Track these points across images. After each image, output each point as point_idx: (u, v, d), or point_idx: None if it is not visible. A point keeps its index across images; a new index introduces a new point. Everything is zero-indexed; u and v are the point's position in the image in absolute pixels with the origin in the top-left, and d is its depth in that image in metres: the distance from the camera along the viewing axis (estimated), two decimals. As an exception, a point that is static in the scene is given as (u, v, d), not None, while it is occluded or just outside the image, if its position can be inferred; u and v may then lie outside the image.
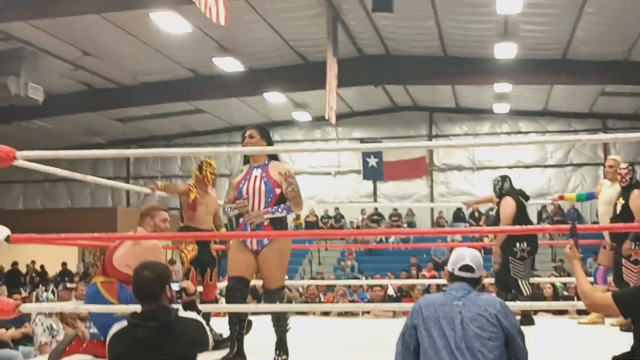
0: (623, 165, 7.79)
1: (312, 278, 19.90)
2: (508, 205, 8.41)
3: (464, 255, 4.30)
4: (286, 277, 6.53)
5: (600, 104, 23.40)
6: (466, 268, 4.25)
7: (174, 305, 4.24)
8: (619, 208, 7.51)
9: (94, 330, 9.26)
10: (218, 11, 9.35)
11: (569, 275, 17.84)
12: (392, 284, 14.90)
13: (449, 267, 4.34)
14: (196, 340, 4.01)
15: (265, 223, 6.09)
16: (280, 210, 6.08)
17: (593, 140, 22.03)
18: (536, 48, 18.56)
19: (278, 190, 6.18)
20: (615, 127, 24.79)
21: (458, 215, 24.76)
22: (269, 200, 6.14)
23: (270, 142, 6.71)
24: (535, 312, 8.77)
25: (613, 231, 7.63)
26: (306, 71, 19.68)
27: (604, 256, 8.07)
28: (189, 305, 4.67)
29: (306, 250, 22.84)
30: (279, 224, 6.18)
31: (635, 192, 7.45)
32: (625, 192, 7.54)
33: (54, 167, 6.93)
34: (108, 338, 4.03)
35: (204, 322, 4.12)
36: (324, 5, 15.81)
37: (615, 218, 7.55)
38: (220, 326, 7.12)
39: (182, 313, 4.14)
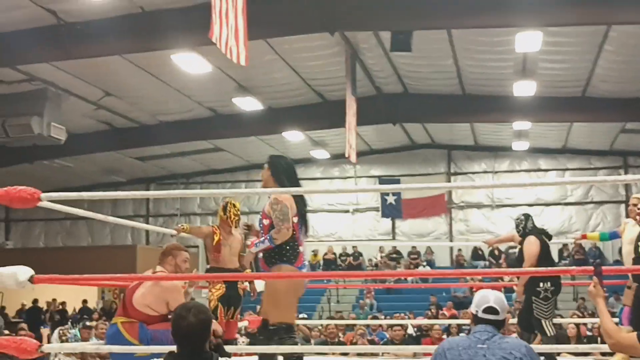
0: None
1: (331, 317, 19.77)
2: (532, 245, 8.34)
3: (488, 297, 4.25)
4: (294, 315, 6.25)
5: (620, 141, 23.31)
6: (490, 310, 4.20)
7: None
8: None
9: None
10: (239, 52, 9.41)
11: (591, 315, 17.67)
12: (411, 324, 14.80)
13: (472, 309, 4.28)
14: None
15: (260, 256, 5.92)
16: (263, 241, 5.78)
17: (616, 180, 21.91)
18: (555, 86, 18.55)
19: (266, 222, 5.88)
20: (636, 164, 24.69)
21: (477, 254, 24.63)
22: (262, 232, 5.93)
23: (278, 170, 6.19)
24: (559, 353, 8.66)
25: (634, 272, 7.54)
26: (325, 110, 19.74)
27: (627, 297, 7.96)
28: (217, 349, 4.40)
29: (324, 289, 22.74)
30: (274, 256, 5.89)
31: None
32: None
33: (76, 208, 6.96)
34: None
35: None
36: (342, 44, 15.89)
37: (637, 259, 7.46)
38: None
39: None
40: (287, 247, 5.83)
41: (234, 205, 7.91)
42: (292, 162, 6.36)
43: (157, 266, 7.06)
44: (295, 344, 5.94)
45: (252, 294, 8.08)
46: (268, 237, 5.70)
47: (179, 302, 6.79)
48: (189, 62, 15.81)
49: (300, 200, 6.03)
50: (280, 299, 5.84)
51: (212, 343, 4.20)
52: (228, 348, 7.30)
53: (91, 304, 23.29)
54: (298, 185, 6.30)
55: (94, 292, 24.16)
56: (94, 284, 9.84)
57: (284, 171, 6.13)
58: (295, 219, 5.91)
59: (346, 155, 16.72)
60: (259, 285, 8.21)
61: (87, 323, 14.85)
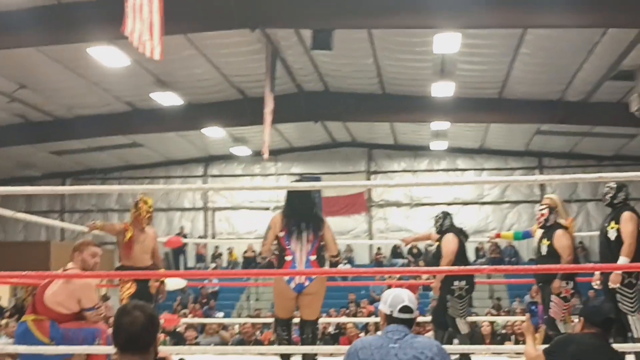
0: (541, 207, 7.86)
1: (249, 316, 19.70)
2: (450, 243, 8.43)
3: (402, 296, 4.24)
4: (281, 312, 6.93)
5: (536, 142, 23.79)
6: (405, 309, 4.19)
7: None
8: (544, 249, 7.57)
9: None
10: (153, 46, 9.24)
11: (507, 312, 18.00)
12: (330, 322, 14.82)
13: (385, 309, 4.24)
14: None
15: None
16: None
17: (529, 181, 22.34)
18: (473, 87, 18.81)
19: None
20: (551, 165, 25.24)
21: (396, 252, 24.83)
22: None
23: (288, 202, 7.07)
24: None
25: (538, 272, 7.67)
26: (245, 106, 19.62)
27: (538, 294, 8.10)
28: None
29: (243, 287, 22.64)
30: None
31: (559, 231, 7.52)
32: (547, 233, 7.60)
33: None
34: None
35: None
36: (263, 41, 15.81)
37: (541, 259, 7.61)
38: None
39: None
40: (274, 257, 6.79)
41: (146, 202, 7.78)
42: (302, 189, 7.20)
43: (68, 263, 6.93)
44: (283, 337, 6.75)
45: (160, 295, 7.94)
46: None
47: (91, 300, 6.69)
48: (106, 55, 15.51)
49: (295, 214, 6.80)
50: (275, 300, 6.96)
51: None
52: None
53: (4, 302, 22.72)
54: (303, 204, 6.92)
55: (7, 290, 23.56)
56: (5, 282, 9.54)
57: (290, 196, 6.96)
58: (282, 234, 6.73)
59: (262, 153, 16.63)
60: (171, 284, 8.10)
61: (-2, 321, 14.48)
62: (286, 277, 6.68)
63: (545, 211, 7.71)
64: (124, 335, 3.20)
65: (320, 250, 6.93)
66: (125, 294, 7.48)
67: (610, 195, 7.32)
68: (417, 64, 17.50)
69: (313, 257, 6.79)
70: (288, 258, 6.71)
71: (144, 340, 3.21)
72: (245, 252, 24.98)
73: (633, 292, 6.92)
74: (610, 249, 7.10)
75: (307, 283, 6.71)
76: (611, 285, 6.94)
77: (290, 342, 6.93)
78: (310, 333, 6.86)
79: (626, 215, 7.09)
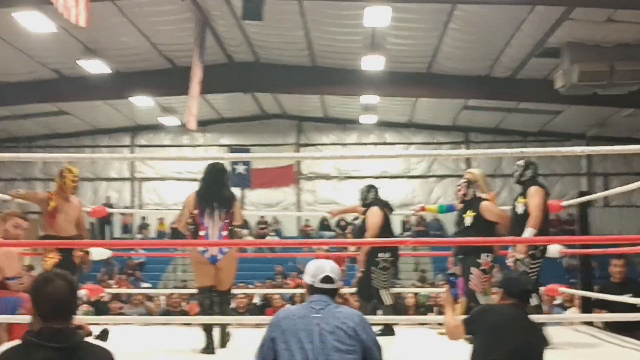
0: (460, 182, 8.01)
1: (176, 287, 19.62)
2: (375, 215, 8.50)
3: (324, 267, 4.30)
4: (201, 280, 7.22)
5: (463, 117, 24.12)
6: (327, 279, 4.24)
7: None
8: (468, 220, 7.69)
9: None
10: (78, 12, 9.09)
11: (431, 284, 18.27)
12: (257, 293, 14.85)
13: (307, 280, 4.31)
14: None
15: None
16: None
17: (453, 154, 22.62)
18: (402, 61, 18.93)
19: None
20: (477, 140, 25.64)
21: (324, 224, 24.97)
22: None
23: (203, 182, 7.41)
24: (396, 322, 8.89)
25: (459, 245, 7.83)
26: (174, 76, 19.41)
27: (458, 267, 8.25)
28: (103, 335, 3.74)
29: (170, 258, 22.53)
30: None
31: (485, 203, 7.66)
32: (470, 206, 7.73)
33: None
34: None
35: (112, 353, 3.44)
36: (193, 10, 15.66)
37: (463, 231, 7.74)
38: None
39: (89, 339, 3.47)
40: (190, 233, 7.16)
41: (71, 171, 7.68)
42: (218, 168, 7.45)
43: (-8, 232, 6.85)
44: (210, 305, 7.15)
45: (85, 265, 7.87)
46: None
47: (14, 269, 6.62)
48: (31, 21, 15.15)
49: (208, 194, 7.20)
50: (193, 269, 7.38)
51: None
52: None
53: None
54: (216, 184, 7.31)
55: None
56: None
57: (203, 175, 7.39)
58: (196, 211, 7.13)
59: (184, 123, 16.47)
60: (95, 254, 8.03)
61: None
62: (200, 249, 7.13)
63: (463, 185, 7.85)
64: (49, 303, 3.23)
65: (231, 226, 7.30)
66: (49, 264, 7.39)
67: (518, 172, 7.51)
68: (347, 37, 17.55)
69: (225, 233, 7.20)
70: (202, 233, 7.11)
71: (68, 307, 3.28)
72: (173, 222, 24.78)
73: (535, 264, 7.12)
74: (518, 223, 7.30)
75: (219, 256, 7.14)
76: (517, 255, 7.14)
77: (213, 308, 7.15)
78: (224, 304, 7.31)
79: (532, 189, 7.28)
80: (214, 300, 7.17)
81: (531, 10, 14.87)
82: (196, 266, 7.28)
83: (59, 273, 3.37)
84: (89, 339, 3.87)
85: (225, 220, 7.23)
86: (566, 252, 8.91)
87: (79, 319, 5.33)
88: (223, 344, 7.23)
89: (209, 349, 6.99)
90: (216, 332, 7.17)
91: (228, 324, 7.35)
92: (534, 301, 6.61)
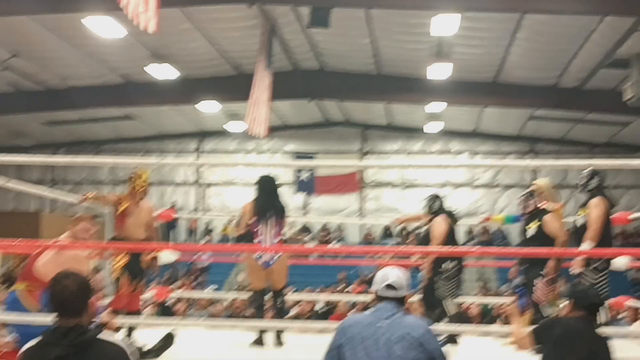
0: (523, 193, 7.94)
1: (239, 291, 19.70)
2: (439, 225, 8.46)
3: (388, 274, 4.28)
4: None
5: (529, 127, 23.82)
6: (390, 287, 4.22)
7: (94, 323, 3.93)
8: (531, 231, 7.60)
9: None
10: (148, 18, 9.19)
11: (495, 295, 18.06)
12: (320, 300, 14.86)
13: (373, 287, 4.30)
14: None
15: None
16: None
17: (520, 165, 22.35)
18: (469, 70, 18.79)
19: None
20: (544, 151, 25.28)
21: (387, 232, 24.88)
22: None
23: (257, 192, 8.12)
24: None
25: (524, 256, 7.73)
26: (241, 82, 19.46)
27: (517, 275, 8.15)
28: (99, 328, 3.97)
29: (234, 263, 22.65)
30: None
31: (548, 216, 7.55)
32: (537, 216, 7.63)
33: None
34: (19, 354, 3.57)
35: (126, 349, 3.63)
36: (260, 17, 15.76)
37: (526, 241, 7.65)
38: (145, 338, 7.01)
39: (104, 336, 3.59)
40: (240, 240, 7.99)
41: (140, 176, 7.79)
42: (272, 180, 8.21)
43: (62, 235, 6.97)
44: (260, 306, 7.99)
45: (153, 269, 8.00)
46: None
47: (81, 272, 6.70)
48: (101, 26, 15.38)
49: (264, 204, 7.94)
50: (247, 274, 8.17)
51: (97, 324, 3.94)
52: (132, 319, 7.23)
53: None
54: (266, 195, 8.05)
55: (-4, 259, 23.54)
56: (-5, 249, 9.54)
57: (258, 186, 8.13)
58: (252, 220, 7.85)
59: (248, 130, 16.52)
60: (163, 258, 8.11)
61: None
62: (255, 255, 7.83)
63: (525, 196, 7.80)
64: (56, 301, 3.52)
65: (282, 235, 8.09)
66: (117, 266, 7.51)
67: (583, 182, 7.38)
68: (414, 45, 17.48)
69: (276, 240, 7.91)
70: (257, 240, 7.81)
71: (73, 305, 3.52)
72: (224, 229, 24.97)
73: (600, 277, 6.98)
74: (577, 235, 7.18)
75: (272, 262, 7.82)
76: (572, 271, 7.01)
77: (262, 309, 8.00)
78: (279, 301, 8.03)
79: (594, 201, 7.16)
80: (261, 301, 7.94)
81: (601, 20, 14.64)
82: (251, 269, 8.00)
83: (68, 274, 3.62)
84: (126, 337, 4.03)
85: (277, 229, 7.92)
86: (633, 265, 8.74)
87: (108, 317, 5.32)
88: (279, 342, 7.74)
89: (259, 341, 7.68)
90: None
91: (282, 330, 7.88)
92: (602, 316, 6.49)
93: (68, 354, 3.41)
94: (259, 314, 8.02)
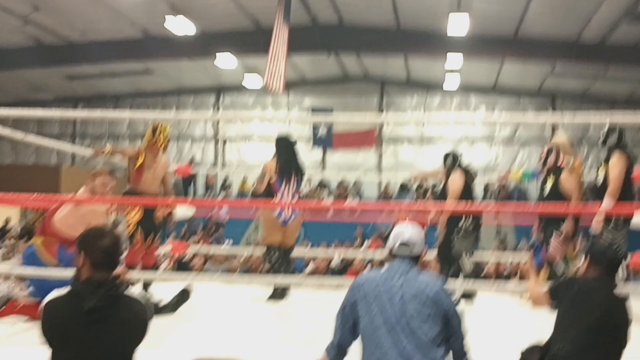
0: (544, 149, 7.88)
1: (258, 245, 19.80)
2: (456, 181, 8.45)
3: (403, 232, 4.28)
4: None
5: (549, 83, 23.62)
6: (404, 245, 4.23)
7: None
8: (548, 189, 7.57)
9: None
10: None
11: (512, 251, 18.05)
12: (337, 255, 14.91)
13: (388, 245, 4.31)
14: (138, 322, 3.69)
15: None
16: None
17: (539, 121, 22.13)
18: (489, 23, 18.59)
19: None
20: (564, 107, 25.07)
21: (404, 188, 24.84)
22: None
23: (278, 152, 8.39)
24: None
25: (539, 213, 7.71)
26: (259, 36, 19.44)
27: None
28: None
29: (251, 220, 22.73)
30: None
31: (565, 174, 7.51)
32: (554, 174, 7.59)
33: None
34: (43, 304, 3.63)
35: (145, 305, 3.80)
36: (278, -30, 15.62)
37: (543, 199, 7.62)
38: (161, 292, 7.07)
39: (127, 292, 3.77)
40: (266, 197, 8.10)
41: (165, 129, 7.75)
42: (286, 138, 8.53)
43: (80, 189, 7.00)
44: (277, 260, 8.22)
45: (170, 223, 8.10)
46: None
47: (100, 225, 6.75)
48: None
49: (287, 164, 8.23)
50: (263, 229, 8.51)
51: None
52: (148, 274, 7.28)
53: (13, 223, 22.90)
54: (289, 155, 8.32)
55: (16, 212, 23.74)
56: (15, 203, 9.64)
57: (279, 146, 8.41)
58: (274, 179, 8.12)
59: (265, 84, 16.46)
60: (179, 214, 8.16)
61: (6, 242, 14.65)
62: (275, 212, 8.18)
63: (545, 152, 7.74)
64: (100, 254, 3.70)
65: (299, 193, 8.49)
66: (133, 220, 7.52)
67: (603, 138, 7.32)
68: (433, -1, 17.31)
69: (296, 198, 8.35)
70: (278, 197, 8.10)
71: (112, 260, 3.74)
72: (254, 183, 24.97)
73: (619, 235, 6.95)
74: (597, 191, 7.14)
75: (290, 220, 8.21)
76: (593, 230, 6.98)
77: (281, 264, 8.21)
78: (285, 256, 8.30)
79: (615, 157, 7.10)
80: (281, 256, 8.18)
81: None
82: (269, 225, 8.27)
83: (104, 229, 3.88)
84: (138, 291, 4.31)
85: (296, 188, 8.26)
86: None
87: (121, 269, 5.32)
88: (283, 296, 8.11)
89: (280, 294, 8.07)
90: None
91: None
92: (621, 274, 6.48)
93: (103, 306, 3.56)
94: (278, 268, 8.18)
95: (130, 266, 7.16)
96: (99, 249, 3.70)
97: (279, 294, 8.10)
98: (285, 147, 8.40)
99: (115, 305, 3.61)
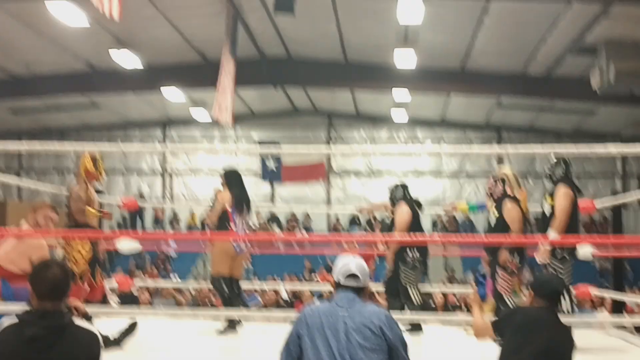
0: (492, 179, 7.90)
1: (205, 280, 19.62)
2: (403, 213, 8.45)
3: (349, 263, 4.22)
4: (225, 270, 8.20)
5: (496, 115, 23.91)
6: (351, 277, 4.17)
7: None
8: (493, 220, 7.59)
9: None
10: (112, 6, 9.07)
11: (461, 283, 18.14)
12: (285, 289, 14.82)
13: (334, 276, 4.25)
14: (87, 352, 3.65)
15: None
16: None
17: (485, 152, 22.46)
18: (436, 57, 18.78)
19: None
20: (510, 140, 25.39)
21: (354, 221, 24.89)
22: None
23: (227, 181, 8.46)
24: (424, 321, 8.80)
25: (486, 244, 7.74)
26: (206, 70, 19.37)
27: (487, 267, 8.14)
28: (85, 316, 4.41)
29: (198, 253, 22.54)
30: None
31: (508, 204, 7.52)
32: (498, 205, 7.62)
33: None
34: None
35: (98, 335, 3.78)
36: (224, 3, 15.62)
37: (489, 230, 7.64)
38: (108, 326, 6.93)
39: (76, 321, 3.77)
40: (221, 228, 8.15)
41: (99, 158, 7.59)
42: (236, 171, 8.72)
43: (21, 222, 6.87)
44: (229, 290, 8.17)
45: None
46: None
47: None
48: (65, 12, 15.17)
49: (241, 196, 8.36)
50: (213, 259, 8.35)
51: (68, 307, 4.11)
52: (94, 308, 7.14)
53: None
54: (241, 188, 8.46)
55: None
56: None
57: (230, 177, 8.49)
58: (229, 209, 8.20)
59: (214, 117, 16.42)
60: (125, 247, 8.00)
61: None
62: (234, 242, 8.19)
63: (491, 182, 7.76)
64: (46, 285, 3.67)
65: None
66: (86, 257, 7.28)
67: (549, 170, 7.36)
68: (380, 32, 17.42)
69: (246, 230, 8.45)
70: (233, 227, 8.19)
71: (61, 291, 3.71)
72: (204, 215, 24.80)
73: (565, 267, 6.97)
74: (544, 224, 7.17)
75: (244, 249, 8.41)
76: (539, 260, 7.00)
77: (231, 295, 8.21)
78: (237, 289, 8.30)
79: (561, 191, 7.12)
80: (230, 286, 8.17)
81: (567, 7, 14.66)
82: (222, 257, 8.18)
83: (52, 260, 3.88)
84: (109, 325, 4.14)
85: (247, 219, 8.46)
86: (598, 254, 8.76)
87: (76, 301, 5.25)
88: (234, 328, 8.06)
89: (231, 327, 7.98)
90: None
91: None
92: (565, 304, 6.49)
93: (45, 335, 3.54)
94: (230, 300, 8.13)
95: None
96: (42, 279, 3.68)
97: (232, 326, 7.99)
98: (235, 180, 8.47)
99: (60, 335, 3.58)
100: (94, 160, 7.54)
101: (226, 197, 8.27)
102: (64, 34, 17.15)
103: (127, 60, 18.91)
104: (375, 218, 23.82)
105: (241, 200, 8.33)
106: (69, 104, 23.32)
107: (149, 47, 18.65)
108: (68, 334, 3.61)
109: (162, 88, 21.26)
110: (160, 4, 15.85)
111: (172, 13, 16.48)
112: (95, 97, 22.76)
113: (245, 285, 9.04)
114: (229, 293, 8.13)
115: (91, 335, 3.72)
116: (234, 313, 7.87)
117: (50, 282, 3.67)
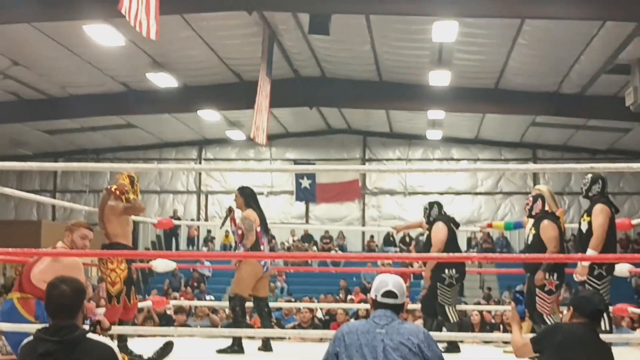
0: (528, 196, 7.84)
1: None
2: (439, 231, 8.39)
3: (387, 281, 4.22)
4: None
5: (530, 134, 23.78)
6: (389, 294, 4.17)
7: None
8: (530, 238, 7.52)
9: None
10: (149, 25, 9.13)
11: (497, 302, 17.99)
12: (320, 308, 14.80)
13: (371, 294, 4.26)
14: None
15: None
16: (241, 248, 8.04)
17: (521, 169, 22.32)
18: (470, 77, 18.75)
19: (240, 232, 8.00)
20: (545, 157, 25.23)
21: (388, 240, 24.81)
22: (236, 239, 8.19)
23: (247, 197, 8.23)
24: (462, 340, 8.73)
25: (525, 262, 7.66)
26: (241, 90, 19.53)
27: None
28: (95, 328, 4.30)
29: (234, 271, 22.53)
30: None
31: (545, 222, 7.44)
32: (536, 223, 7.55)
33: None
34: (19, 350, 3.91)
35: (115, 348, 3.84)
36: (260, 24, 15.72)
37: (526, 248, 7.58)
38: (141, 347, 6.95)
39: (92, 335, 3.87)
40: (253, 249, 7.93)
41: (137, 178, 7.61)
42: (253, 190, 8.45)
43: (58, 242, 6.88)
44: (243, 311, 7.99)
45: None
46: (242, 245, 7.92)
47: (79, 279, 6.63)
48: (101, 34, 15.35)
49: (262, 215, 8.19)
50: (241, 279, 8.03)
51: (92, 322, 4.17)
52: (127, 329, 7.16)
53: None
54: (260, 207, 8.27)
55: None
56: (-7, 258, 9.51)
57: (250, 196, 8.26)
58: (259, 229, 8.02)
59: (251, 137, 16.48)
60: (160, 266, 8.03)
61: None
62: (262, 261, 8.09)
63: (530, 199, 7.69)
64: (53, 304, 3.86)
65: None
66: (122, 276, 7.27)
67: (585, 187, 7.29)
68: (414, 51, 17.43)
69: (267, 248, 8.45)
70: (262, 248, 8.14)
71: (68, 308, 3.86)
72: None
73: (602, 284, 6.90)
74: (581, 242, 7.10)
75: (270, 267, 8.37)
76: (577, 278, 6.93)
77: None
78: (266, 307, 8.22)
79: (597, 207, 7.05)
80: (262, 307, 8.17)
81: (601, 26, 14.57)
82: (250, 278, 8.02)
83: (64, 278, 4.01)
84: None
85: (268, 238, 8.44)
86: (635, 271, 8.66)
87: (102, 317, 5.26)
88: (268, 348, 7.96)
89: (238, 348, 7.72)
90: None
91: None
92: (605, 323, 6.41)
93: (56, 350, 3.71)
94: (243, 320, 8.00)
95: (112, 323, 6.97)
96: (50, 298, 3.88)
97: (235, 347, 7.75)
98: (253, 198, 8.30)
99: (72, 350, 3.73)
100: (130, 179, 7.56)
101: (253, 216, 8.06)
102: (100, 56, 17.34)
103: (164, 81, 19.06)
104: (410, 236, 23.77)
105: (264, 219, 8.22)
106: (105, 124, 23.54)
107: (185, 68, 18.81)
108: (81, 348, 3.75)
109: (198, 109, 21.39)
110: (196, 25, 15.98)
111: (208, 34, 16.61)
112: (130, 117, 22.94)
113: (282, 304, 8.95)
114: (241, 312, 7.95)
115: (106, 348, 3.83)
116: (269, 332, 7.82)
117: (57, 301, 3.85)
